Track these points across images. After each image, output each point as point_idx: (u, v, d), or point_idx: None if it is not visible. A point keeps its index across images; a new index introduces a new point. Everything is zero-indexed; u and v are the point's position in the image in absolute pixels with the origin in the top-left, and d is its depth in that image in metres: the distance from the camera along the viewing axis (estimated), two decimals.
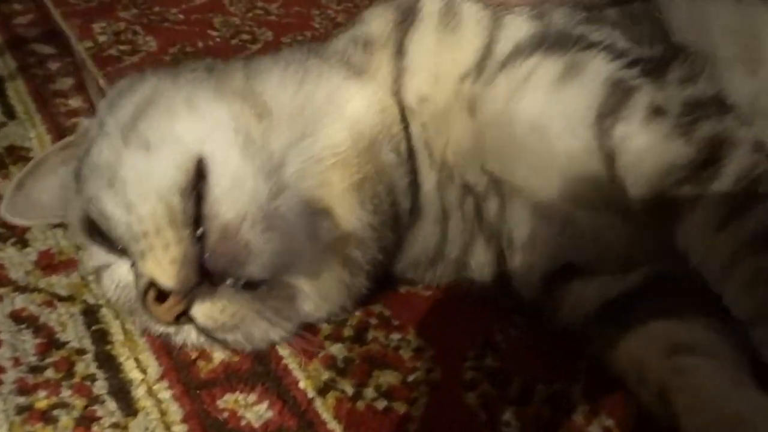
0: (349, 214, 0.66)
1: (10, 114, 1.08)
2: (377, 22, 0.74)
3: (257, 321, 0.62)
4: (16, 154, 0.98)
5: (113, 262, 0.64)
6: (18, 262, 0.78)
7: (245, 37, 1.47)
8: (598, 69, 0.62)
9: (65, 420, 0.61)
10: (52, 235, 0.83)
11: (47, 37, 1.36)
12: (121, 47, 1.35)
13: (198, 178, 0.58)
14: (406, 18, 0.72)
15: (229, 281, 0.58)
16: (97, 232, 0.63)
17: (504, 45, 0.66)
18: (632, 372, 0.62)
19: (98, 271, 0.66)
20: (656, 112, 0.59)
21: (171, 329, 0.63)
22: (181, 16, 1.56)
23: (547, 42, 0.65)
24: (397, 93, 0.70)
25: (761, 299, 0.52)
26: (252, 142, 0.61)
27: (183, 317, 0.59)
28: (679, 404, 0.56)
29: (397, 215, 0.69)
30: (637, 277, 0.67)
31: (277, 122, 0.63)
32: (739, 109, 0.62)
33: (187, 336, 0.64)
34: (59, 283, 0.76)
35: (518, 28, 0.67)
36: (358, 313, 0.75)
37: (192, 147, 0.59)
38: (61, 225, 0.84)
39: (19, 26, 1.42)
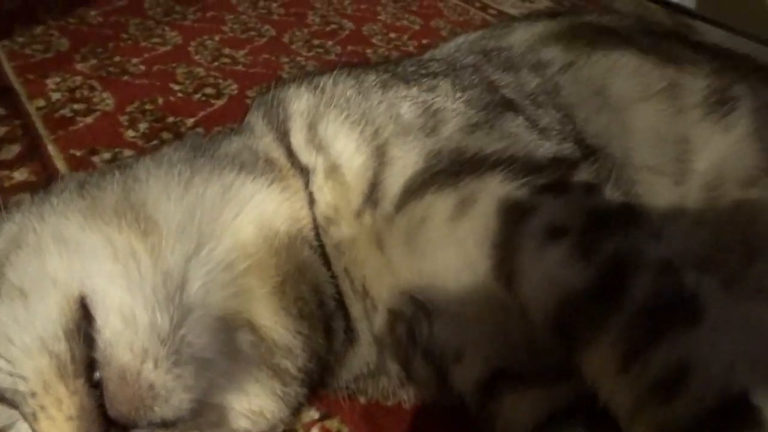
0: (273, 322, 0.60)
1: None
2: (268, 145, 0.69)
3: None
4: None
5: (17, 419, 0.57)
6: None
7: (209, 91, 1.41)
8: (491, 196, 0.58)
9: None
10: None
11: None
12: (76, 106, 1.28)
13: (84, 318, 0.52)
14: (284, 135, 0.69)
15: (143, 423, 0.52)
16: None
17: (392, 185, 0.62)
18: None
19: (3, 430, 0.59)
20: (554, 232, 0.55)
21: None
22: (143, 67, 1.50)
23: (438, 175, 0.61)
24: (311, 204, 0.66)
25: None
26: (137, 267, 0.54)
27: None
28: None
29: (326, 317, 0.64)
30: (572, 392, 0.62)
31: (167, 234, 0.56)
32: (650, 218, 0.59)
33: None
34: None
35: (404, 165, 0.62)
36: (314, 431, 0.69)
37: (70, 286, 0.53)
38: None
39: None
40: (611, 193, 0.60)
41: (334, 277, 0.65)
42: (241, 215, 0.61)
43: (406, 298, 0.64)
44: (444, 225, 0.60)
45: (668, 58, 0.77)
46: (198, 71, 1.50)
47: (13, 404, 0.55)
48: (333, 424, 0.71)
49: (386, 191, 0.62)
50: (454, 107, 0.65)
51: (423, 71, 0.72)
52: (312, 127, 0.67)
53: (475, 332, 0.64)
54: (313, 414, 0.71)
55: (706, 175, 0.71)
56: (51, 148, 1.14)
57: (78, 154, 1.13)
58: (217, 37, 1.72)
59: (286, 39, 1.77)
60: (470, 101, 0.66)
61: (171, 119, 1.28)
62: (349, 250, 0.64)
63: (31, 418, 0.51)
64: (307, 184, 0.66)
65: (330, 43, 1.77)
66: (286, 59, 1.63)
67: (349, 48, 1.74)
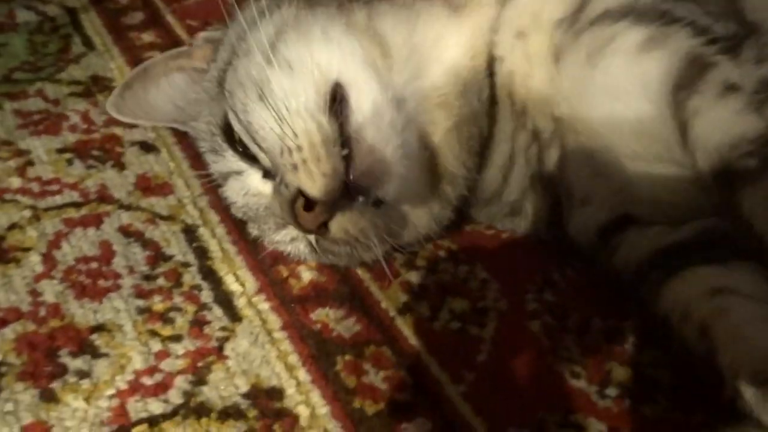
0: (450, 152, 0.72)
1: (89, 45, 1.13)
2: None
3: (372, 237, 0.68)
4: (101, 84, 1.04)
5: (245, 170, 0.70)
6: (119, 183, 0.85)
7: None
8: (679, 43, 0.66)
9: (180, 322, 0.69)
10: (146, 160, 0.90)
11: None
12: None
13: (336, 102, 0.64)
14: None
15: (362, 198, 0.65)
16: (233, 140, 0.69)
17: (597, 5, 0.71)
18: (677, 310, 0.68)
19: (227, 176, 0.72)
20: (730, 88, 0.63)
21: (287, 239, 0.70)
22: None
23: (634, 12, 0.69)
24: (493, 33, 0.74)
25: None
26: (381, 76, 0.67)
27: (322, 227, 0.65)
28: (717, 340, 0.62)
29: (483, 160, 0.76)
30: (689, 231, 0.72)
31: (397, 60, 0.69)
32: None
33: (297, 247, 0.72)
34: (158, 204, 0.83)
35: None
36: (428, 246, 0.83)
37: (330, 72, 0.65)
38: (153, 150, 0.91)
39: None
40: None
41: (493, 108, 0.75)
42: (440, 65, 0.73)
43: (553, 118, 0.73)
44: (631, 51, 0.67)
45: None
46: None
47: (247, 156, 0.69)
48: (444, 242, 0.84)
49: (589, 9, 0.71)
50: None
51: None
52: None
53: (614, 176, 0.72)
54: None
55: None
56: (170, 18, 1.25)
57: (194, 24, 1.24)
58: None
59: None
60: None
61: None
62: (522, 65, 0.73)
63: (288, 168, 0.62)
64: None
65: None
66: None
67: None
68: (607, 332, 0.73)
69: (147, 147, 0.92)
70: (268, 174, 0.68)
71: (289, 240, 0.71)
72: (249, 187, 0.70)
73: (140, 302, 0.70)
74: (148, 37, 1.18)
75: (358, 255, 0.71)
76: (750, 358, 0.58)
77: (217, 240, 0.79)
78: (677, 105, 0.65)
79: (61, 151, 0.89)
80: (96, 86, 1.03)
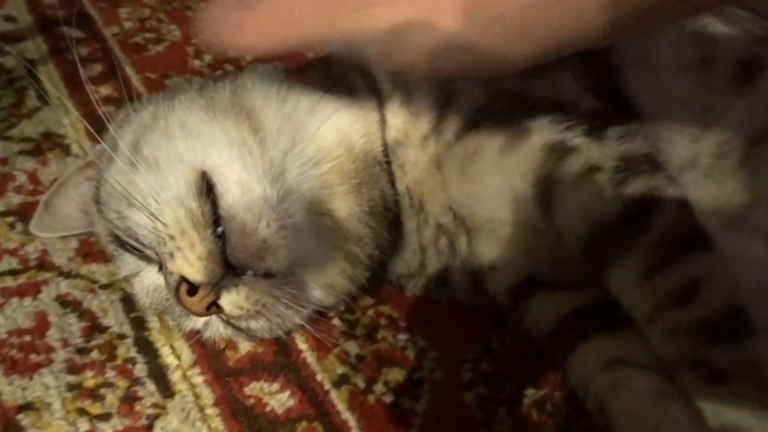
0: (349, 215, 0.73)
1: (44, 99, 1.14)
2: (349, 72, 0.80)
3: (277, 306, 0.69)
4: (52, 141, 1.04)
5: (142, 268, 0.71)
6: (60, 248, 0.85)
7: None
8: (539, 135, 0.68)
9: (111, 398, 0.69)
10: None
11: (76, 20, 1.40)
12: (147, 35, 1.40)
13: (206, 187, 0.65)
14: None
15: (249, 273, 0.66)
16: (123, 245, 0.70)
17: (457, 118, 0.73)
18: (579, 385, 0.70)
19: (130, 278, 0.74)
20: (591, 170, 0.65)
21: (200, 325, 0.71)
22: (203, 5, 1.60)
23: (495, 113, 0.71)
24: (382, 127, 0.76)
25: (679, 350, 0.58)
26: (250, 153, 0.67)
27: (213, 307, 0.66)
28: (612, 414, 0.64)
29: (390, 219, 0.77)
30: (589, 296, 0.74)
31: (270, 133, 0.70)
32: (669, 168, 0.67)
33: (215, 330, 0.72)
34: (99, 270, 0.83)
35: (469, 101, 0.73)
36: (369, 313, 0.83)
37: (194, 163, 0.66)
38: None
39: (48, 7, 1.46)
40: (640, 144, 0.69)
41: (396, 194, 0.78)
42: (324, 125, 0.74)
43: (453, 215, 0.77)
44: (495, 156, 0.70)
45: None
46: None
47: (141, 255, 0.70)
48: (385, 309, 0.85)
49: (450, 123, 0.73)
50: None
51: None
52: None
53: (510, 249, 0.75)
54: (368, 300, 0.85)
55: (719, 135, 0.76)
56: (129, 70, 1.26)
57: (153, 77, 1.25)
58: None
59: None
60: None
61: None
62: (412, 170, 0.76)
63: (167, 258, 0.64)
64: (381, 109, 0.77)
65: None
66: None
67: None
68: (540, 403, 0.75)
69: None
70: (161, 267, 0.69)
71: (203, 325, 0.72)
72: (150, 284, 0.72)
73: (71, 378, 0.70)
74: (105, 90, 1.19)
75: (278, 326, 0.72)
76: None
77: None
78: (542, 193, 0.68)
79: (3, 214, 0.89)
80: (47, 143, 1.04)
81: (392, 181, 0.77)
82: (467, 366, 0.78)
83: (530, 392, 0.76)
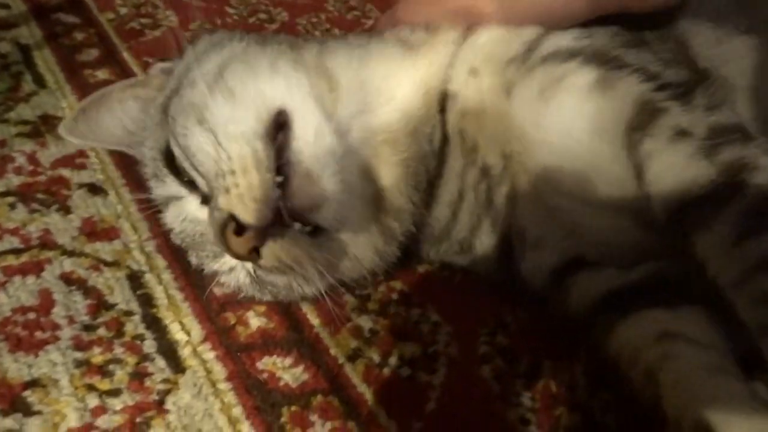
0: (395, 187, 0.73)
1: (41, 83, 1.12)
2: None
3: (308, 268, 0.68)
4: (50, 123, 1.02)
5: (184, 195, 0.70)
6: (63, 227, 0.83)
7: (262, 16, 1.51)
8: (630, 87, 0.67)
9: (120, 374, 0.67)
10: (93, 203, 0.88)
11: (70, 7, 1.38)
12: (143, 20, 1.38)
13: (276, 129, 0.65)
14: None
15: (297, 226, 0.65)
16: (173, 165, 0.69)
17: (548, 45, 0.73)
18: (626, 354, 0.68)
19: (167, 201, 0.72)
20: (682, 133, 0.64)
21: (225, 268, 0.70)
22: None
23: (583, 54, 0.71)
24: (446, 71, 0.76)
25: (766, 316, 0.56)
26: (325, 106, 0.68)
27: (253, 252, 0.64)
28: (662, 385, 0.63)
29: (431, 196, 0.76)
30: (640, 274, 0.73)
31: (344, 94, 0.71)
32: (762, 138, 0.65)
33: (237, 277, 0.71)
34: (103, 249, 0.81)
35: (562, 37, 0.74)
36: (381, 289, 0.82)
37: (274, 100, 0.66)
38: (101, 192, 0.89)
39: None
40: (728, 114, 0.67)
41: (444, 146, 0.76)
42: (392, 101, 0.74)
43: (503, 155, 0.74)
44: (583, 91, 0.68)
45: None
46: None
47: (186, 182, 0.69)
48: (396, 284, 0.83)
49: (541, 48, 0.73)
50: (603, 30, 0.76)
51: None
52: None
53: (563, 223, 0.73)
54: (379, 276, 0.83)
55: None
56: (126, 56, 1.24)
57: (151, 61, 1.23)
58: None
59: None
60: (615, 33, 0.76)
61: None
62: (474, 102, 0.74)
63: (221, 191, 0.62)
64: (462, 39, 0.77)
65: None
66: None
67: None
68: (557, 376, 0.73)
69: (95, 189, 0.90)
70: (206, 200, 0.68)
71: (227, 269, 0.71)
72: (187, 213, 0.71)
73: (78, 354, 0.68)
74: (102, 74, 1.17)
75: (298, 288, 0.71)
76: (692, 408, 0.58)
77: (163, 286, 0.77)
78: (631, 146, 0.66)
79: (3, 194, 0.86)
80: (45, 126, 1.01)
81: (444, 133, 0.76)
82: (482, 340, 0.77)
83: (547, 365, 0.74)
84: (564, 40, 0.74)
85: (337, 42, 0.80)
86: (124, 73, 1.19)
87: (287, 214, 0.63)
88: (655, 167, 0.64)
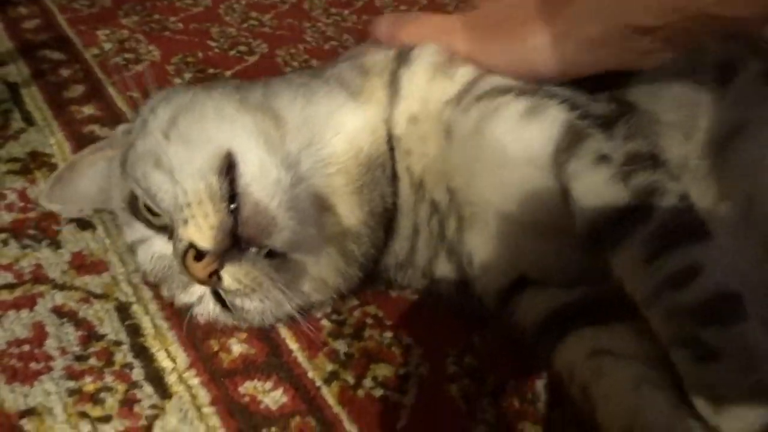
0: (350, 213, 0.79)
1: (29, 120, 1.16)
2: (376, 55, 0.87)
3: (271, 289, 0.73)
4: (39, 160, 1.07)
5: (151, 236, 0.77)
6: (54, 262, 0.88)
7: (242, 48, 1.57)
8: (559, 113, 0.73)
9: (111, 402, 0.71)
10: (82, 237, 0.92)
11: (56, 43, 1.43)
12: (127, 55, 1.43)
13: (228, 168, 0.71)
14: (404, 58, 0.85)
15: (254, 249, 0.71)
16: (138, 210, 0.76)
17: (483, 84, 0.79)
18: (565, 372, 0.74)
19: (136, 244, 0.79)
20: (603, 158, 0.69)
21: (194, 299, 0.76)
22: (181, 25, 1.65)
23: (517, 89, 0.77)
24: (388, 118, 0.82)
25: (675, 330, 0.61)
26: (272, 142, 0.74)
27: (214, 276, 0.70)
28: (594, 399, 0.68)
29: (387, 220, 0.82)
30: (579, 293, 0.78)
31: (291, 130, 0.77)
32: (670, 166, 0.71)
33: (206, 306, 0.77)
34: (93, 282, 0.86)
35: (498, 79, 0.80)
36: (356, 314, 0.87)
37: (221, 143, 0.72)
38: (89, 227, 0.94)
39: (27, 31, 1.48)
40: (641, 143, 0.72)
41: (395, 182, 0.82)
42: (339, 135, 0.80)
43: (449, 189, 0.80)
44: (514, 117, 0.74)
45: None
46: (230, 31, 1.65)
47: (151, 225, 0.76)
48: (371, 309, 0.88)
49: (476, 89, 0.79)
50: None
51: None
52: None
53: (502, 246, 0.78)
54: (354, 301, 0.89)
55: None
56: (111, 91, 1.29)
57: (135, 95, 1.28)
58: (243, 1, 1.87)
59: (306, 6, 1.93)
60: None
61: (212, 71, 1.43)
62: (418, 147, 0.80)
63: (181, 223, 0.69)
64: (396, 88, 0.83)
65: (346, 12, 1.92)
66: (307, 24, 1.78)
67: (364, 17, 1.89)
68: (521, 393, 0.79)
69: (83, 224, 0.94)
70: (171, 236, 0.74)
71: (196, 299, 0.77)
72: (155, 251, 0.77)
73: (71, 383, 0.72)
74: (88, 110, 1.22)
75: (269, 311, 0.76)
76: (619, 419, 0.64)
77: (149, 316, 0.82)
78: (558, 167, 0.72)
79: None
80: (34, 163, 1.06)
81: (394, 170, 0.82)
82: (451, 360, 0.82)
83: (511, 383, 0.80)
84: (498, 79, 0.80)
85: (281, 82, 0.85)
86: (109, 108, 1.24)
87: (243, 239, 0.70)
88: (579, 187, 0.69)
